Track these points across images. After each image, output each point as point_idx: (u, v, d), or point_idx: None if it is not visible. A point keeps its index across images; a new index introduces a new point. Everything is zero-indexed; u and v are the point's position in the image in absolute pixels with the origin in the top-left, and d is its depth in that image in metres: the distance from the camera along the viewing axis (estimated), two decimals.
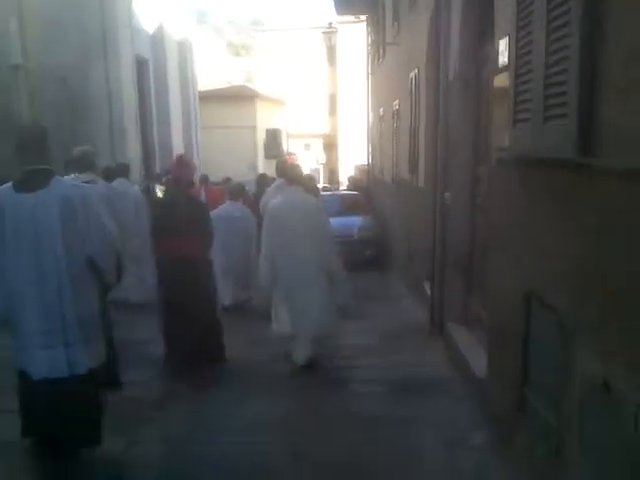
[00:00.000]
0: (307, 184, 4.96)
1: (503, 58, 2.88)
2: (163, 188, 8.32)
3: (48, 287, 2.83)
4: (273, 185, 6.70)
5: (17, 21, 9.47)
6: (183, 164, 4.83)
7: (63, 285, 2.85)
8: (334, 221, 9.66)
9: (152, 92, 17.31)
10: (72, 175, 4.88)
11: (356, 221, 9.85)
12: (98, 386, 3.05)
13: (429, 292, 5.54)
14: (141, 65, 16.08)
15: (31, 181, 2.85)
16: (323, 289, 4.39)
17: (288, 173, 4.85)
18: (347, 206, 10.64)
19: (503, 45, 2.86)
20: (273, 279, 4.41)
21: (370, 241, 9.56)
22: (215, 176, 11.80)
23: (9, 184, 2.89)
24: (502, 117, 3.00)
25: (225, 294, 5.85)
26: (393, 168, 9.06)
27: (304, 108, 32.96)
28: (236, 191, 6.78)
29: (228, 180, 9.41)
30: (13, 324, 2.90)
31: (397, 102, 8.50)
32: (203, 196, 8.49)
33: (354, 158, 23.68)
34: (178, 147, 19.15)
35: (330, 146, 34.93)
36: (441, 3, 4.75)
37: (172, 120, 18.67)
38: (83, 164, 4.95)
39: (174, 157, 10.60)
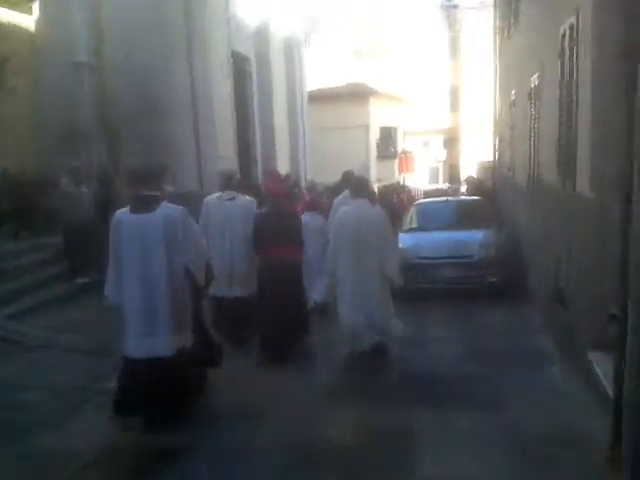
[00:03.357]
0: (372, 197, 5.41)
1: None
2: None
3: (153, 288, 3.63)
4: (341, 196, 6.51)
5: (84, 14, 8.54)
6: (277, 180, 5.70)
7: (165, 287, 3.63)
8: (446, 236, 7.58)
9: (254, 92, 16.18)
10: (218, 193, 5.69)
11: (476, 236, 7.50)
12: (188, 365, 3.81)
13: (600, 375, 3.33)
14: (241, 63, 15.03)
15: (142, 205, 3.68)
16: (382, 290, 4.95)
17: (353, 185, 5.22)
18: (464, 216, 8.29)
19: None
20: (334, 276, 5.07)
21: (496, 263, 7.13)
22: (330, 180, 9.97)
23: (127, 207, 3.73)
24: None
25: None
26: (530, 164, 6.81)
27: (423, 104, 30.74)
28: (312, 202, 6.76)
29: (313, 186, 7.76)
30: (124, 316, 3.70)
31: (536, 76, 6.47)
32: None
33: (478, 155, 21.35)
34: (283, 151, 17.88)
35: (451, 142, 32.71)
36: None
37: (276, 122, 17.42)
38: (226, 183, 5.64)
39: (271, 170, 9.69)
